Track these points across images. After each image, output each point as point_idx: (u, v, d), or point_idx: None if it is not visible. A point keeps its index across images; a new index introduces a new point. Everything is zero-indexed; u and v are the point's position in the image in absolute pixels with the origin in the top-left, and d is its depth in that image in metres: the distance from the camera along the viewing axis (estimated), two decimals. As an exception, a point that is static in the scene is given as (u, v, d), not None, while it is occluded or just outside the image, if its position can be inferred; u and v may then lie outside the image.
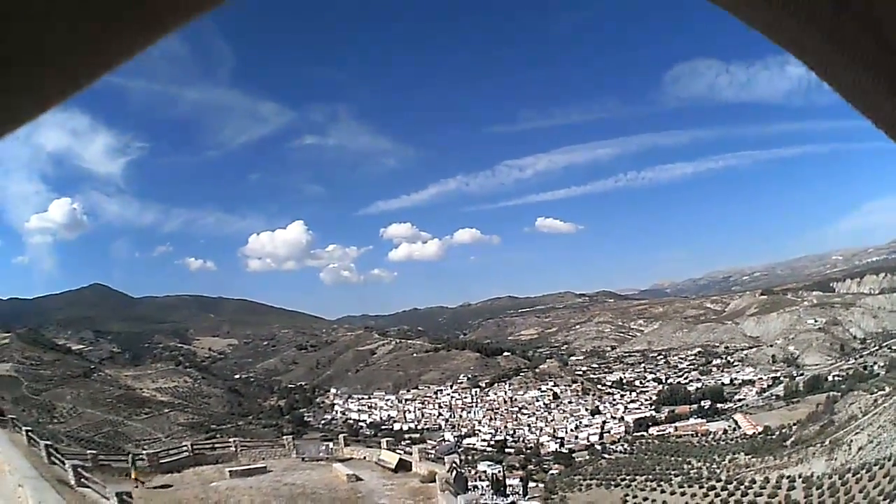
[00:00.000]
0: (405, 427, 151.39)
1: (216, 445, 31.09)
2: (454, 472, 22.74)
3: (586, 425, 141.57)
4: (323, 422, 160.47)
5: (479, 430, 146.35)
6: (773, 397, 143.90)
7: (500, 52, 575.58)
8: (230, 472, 23.72)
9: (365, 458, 27.60)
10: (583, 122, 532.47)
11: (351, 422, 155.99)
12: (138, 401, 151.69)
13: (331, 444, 29.99)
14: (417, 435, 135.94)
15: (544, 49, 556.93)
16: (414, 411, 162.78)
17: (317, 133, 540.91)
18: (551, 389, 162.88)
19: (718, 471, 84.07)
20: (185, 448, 28.73)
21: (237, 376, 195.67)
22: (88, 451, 27.75)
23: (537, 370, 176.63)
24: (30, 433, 23.97)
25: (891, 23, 0.26)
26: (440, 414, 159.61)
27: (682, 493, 67.89)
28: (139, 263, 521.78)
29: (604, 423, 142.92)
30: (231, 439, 32.92)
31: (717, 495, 62.94)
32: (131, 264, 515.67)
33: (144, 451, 28.75)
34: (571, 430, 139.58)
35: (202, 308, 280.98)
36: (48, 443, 21.80)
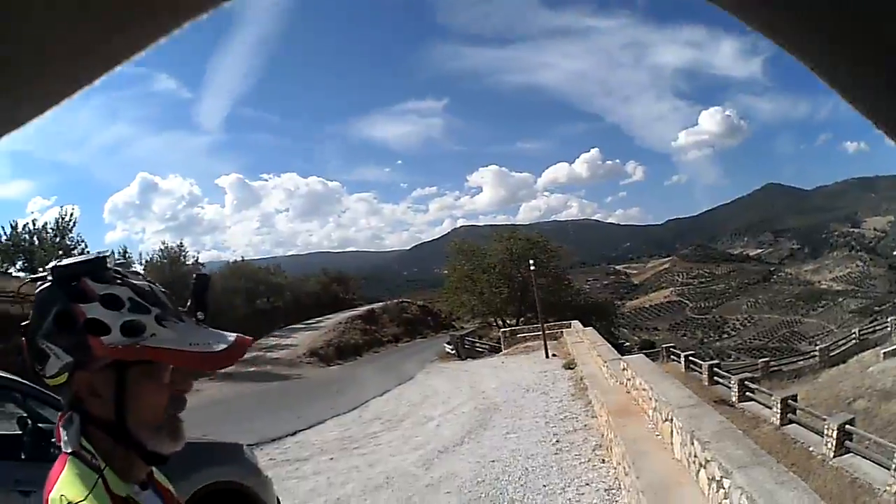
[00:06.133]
0: None
1: (875, 328, 30.99)
2: None
3: None
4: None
5: None
6: None
7: None
8: (884, 353, 23.42)
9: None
10: None
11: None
12: (816, 295, 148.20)
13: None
14: None
15: None
16: None
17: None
18: None
19: None
20: (852, 336, 29.43)
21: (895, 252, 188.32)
22: (759, 361, 26.92)
23: None
24: (689, 357, 23.60)
25: (891, 23, 0.23)
26: None
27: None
28: (804, 156, 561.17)
29: None
30: (888, 319, 32.23)
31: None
32: (797, 158, 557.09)
33: (817, 347, 29.66)
34: None
35: (864, 189, 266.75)
36: (712, 362, 22.03)
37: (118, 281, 1.02)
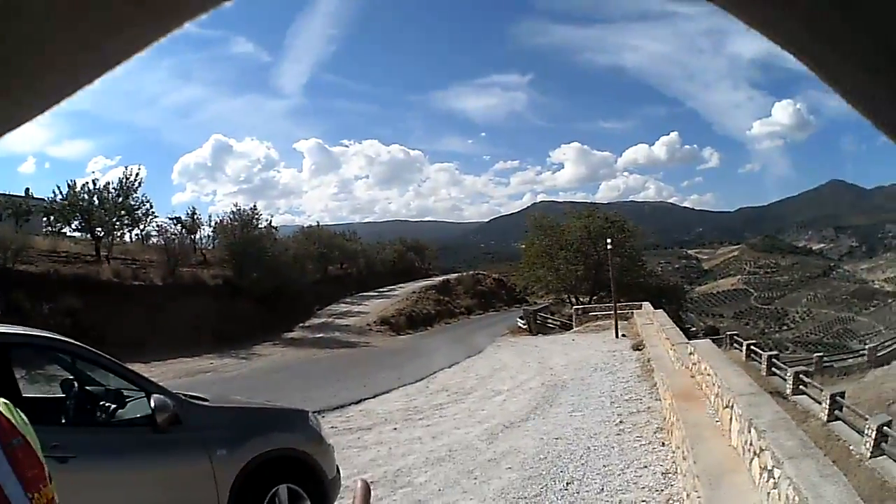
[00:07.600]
0: None
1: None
2: None
3: None
4: None
5: None
6: None
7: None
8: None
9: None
10: None
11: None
12: (869, 294, 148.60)
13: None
14: None
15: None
16: None
17: None
18: None
19: None
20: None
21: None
22: (814, 356, 27.46)
23: None
24: (750, 346, 23.88)
25: (891, 23, 0.23)
26: None
27: None
28: (865, 154, 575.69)
29: None
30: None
31: None
32: (859, 156, 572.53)
33: (865, 346, 30.31)
34: None
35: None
36: (771, 353, 22.25)
37: None
